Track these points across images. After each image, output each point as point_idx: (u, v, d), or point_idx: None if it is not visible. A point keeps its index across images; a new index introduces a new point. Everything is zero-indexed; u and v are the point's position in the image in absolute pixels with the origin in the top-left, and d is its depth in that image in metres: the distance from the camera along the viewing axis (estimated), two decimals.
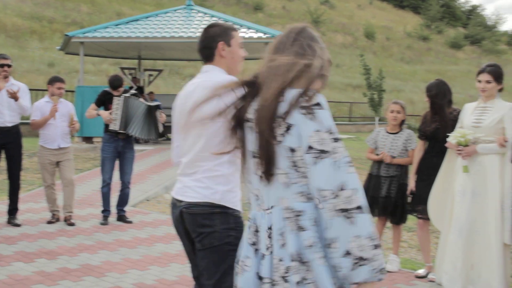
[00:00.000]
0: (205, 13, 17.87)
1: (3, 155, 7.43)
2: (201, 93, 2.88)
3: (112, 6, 37.86)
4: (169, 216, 8.20)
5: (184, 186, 3.08)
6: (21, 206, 7.79)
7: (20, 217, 7.61)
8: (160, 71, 20.85)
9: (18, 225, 7.35)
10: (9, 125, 7.35)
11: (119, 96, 7.65)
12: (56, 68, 25.38)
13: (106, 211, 7.80)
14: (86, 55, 17.78)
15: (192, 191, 3.03)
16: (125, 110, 7.59)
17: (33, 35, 29.49)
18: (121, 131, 7.59)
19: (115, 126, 7.57)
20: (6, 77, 7.35)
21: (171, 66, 31.30)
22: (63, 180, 7.68)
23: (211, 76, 3.07)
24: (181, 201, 3.07)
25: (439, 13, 64.58)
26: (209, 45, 3.11)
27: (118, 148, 7.70)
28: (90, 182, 10.66)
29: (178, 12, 17.98)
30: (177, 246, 6.63)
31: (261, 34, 15.94)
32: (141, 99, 7.78)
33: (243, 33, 15.82)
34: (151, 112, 7.70)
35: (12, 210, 7.49)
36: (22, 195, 8.32)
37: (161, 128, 7.76)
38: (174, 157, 3.28)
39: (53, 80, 7.71)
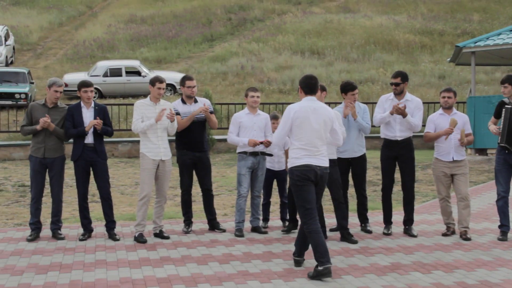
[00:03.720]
0: None
1: (397, 168, 7.73)
2: None
3: (506, 11, 36.22)
4: None
5: None
6: (415, 217, 7.95)
7: (415, 228, 7.77)
8: None
9: (414, 236, 7.52)
10: (400, 139, 7.61)
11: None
12: (447, 80, 25.39)
13: (504, 226, 7.41)
14: (477, 64, 17.36)
15: None
16: (507, 122, 7.15)
17: (423, 49, 30.20)
18: (503, 145, 7.20)
19: (500, 140, 7.24)
20: (399, 94, 7.61)
21: None
22: (457, 194, 7.58)
23: None
24: None
25: None
26: None
27: (510, 160, 7.28)
28: (485, 195, 10.30)
29: None
30: None
31: None
32: None
33: None
34: None
35: (407, 220, 7.71)
36: (416, 206, 8.50)
37: None
38: None
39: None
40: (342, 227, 7.34)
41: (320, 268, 5.76)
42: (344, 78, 22.05)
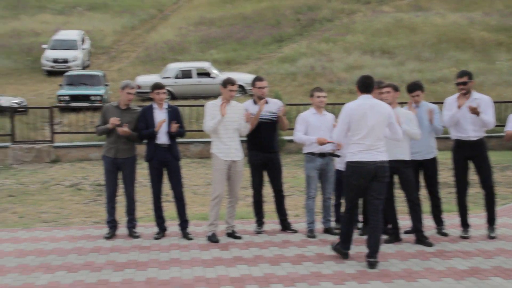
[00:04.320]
0: None
1: (472, 166, 7.47)
2: None
3: None
4: None
5: None
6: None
7: (497, 230, 7.49)
8: None
9: (492, 238, 7.26)
10: (473, 139, 7.37)
11: None
12: None
13: None
14: None
15: None
16: None
17: (500, 47, 29.19)
18: None
19: None
20: (466, 94, 7.36)
21: None
22: None
23: None
24: None
25: None
26: None
27: None
28: None
29: None
30: None
31: None
32: None
33: None
34: None
35: (490, 219, 7.45)
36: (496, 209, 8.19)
37: None
38: None
39: None
40: (417, 230, 7.17)
41: (338, 246, 6.55)
42: (415, 78, 21.56)
